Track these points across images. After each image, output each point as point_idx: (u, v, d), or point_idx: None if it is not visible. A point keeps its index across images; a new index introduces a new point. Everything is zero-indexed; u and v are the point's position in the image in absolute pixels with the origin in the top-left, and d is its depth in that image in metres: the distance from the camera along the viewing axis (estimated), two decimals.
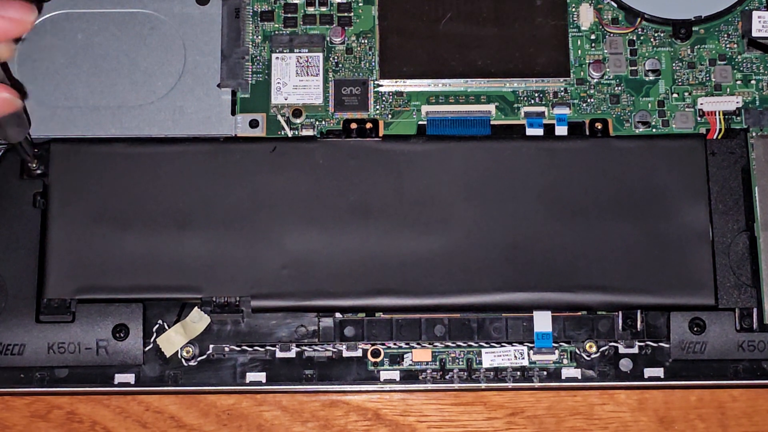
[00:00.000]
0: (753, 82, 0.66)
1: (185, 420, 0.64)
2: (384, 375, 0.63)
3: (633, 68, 0.66)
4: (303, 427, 0.64)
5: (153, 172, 0.62)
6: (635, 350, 0.62)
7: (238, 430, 0.64)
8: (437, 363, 0.63)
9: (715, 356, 0.62)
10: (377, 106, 0.66)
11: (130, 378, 0.62)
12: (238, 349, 0.62)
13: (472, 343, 0.63)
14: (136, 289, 0.61)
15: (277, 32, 0.67)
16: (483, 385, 0.62)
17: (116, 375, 0.62)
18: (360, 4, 0.68)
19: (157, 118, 0.65)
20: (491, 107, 0.66)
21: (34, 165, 0.62)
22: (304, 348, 0.63)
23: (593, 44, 0.67)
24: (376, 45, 0.66)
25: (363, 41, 0.67)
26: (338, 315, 0.62)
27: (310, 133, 0.65)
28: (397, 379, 0.63)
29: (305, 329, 0.62)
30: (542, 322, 0.62)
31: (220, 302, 0.61)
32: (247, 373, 0.62)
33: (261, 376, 0.62)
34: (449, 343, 0.63)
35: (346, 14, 0.67)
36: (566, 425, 0.64)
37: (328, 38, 0.67)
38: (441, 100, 0.66)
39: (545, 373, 0.62)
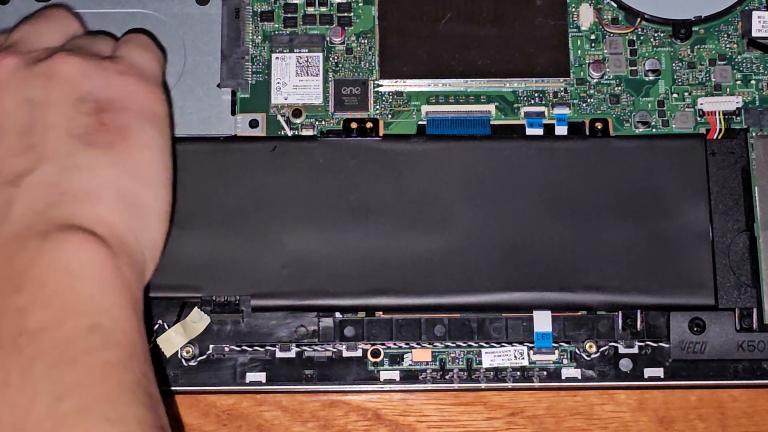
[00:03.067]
0: (753, 82, 0.66)
1: (185, 420, 0.64)
2: (384, 375, 0.63)
3: (633, 68, 0.66)
4: (303, 427, 0.64)
5: None
6: (635, 350, 0.62)
7: (238, 430, 0.64)
8: (437, 363, 0.63)
9: (715, 356, 0.62)
10: (377, 106, 0.66)
11: None
12: (238, 349, 0.62)
13: (472, 343, 0.63)
14: None
15: (277, 32, 0.67)
16: (483, 385, 0.62)
17: None
18: (360, 4, 0.68)
19: None
20: (491, 107, 0.66)
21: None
22: (304, 348, 0.63)
23: (593, 44, 0.67)
24: (376, 45, 0.67)
25: (363, 41, 0.67)
26: (338, 315, 0.62)
27: (310, 133, 0.65)
28: (397, 379, 0.63)
29: (305, 329, 0.62)
30: (542, 322, 0.62)
31: (219, 301, 0.61)
32: (247, 373, 0.62)
33: (261, 376, 0.62)
34: (449, 343, 0.63)
35: (346, 14, 0.68)
36: (566, 425, 0.64)
37: (328, 38, 0.67)
38: (441, 100, 0.66)
39: (545, 373, 0.63)
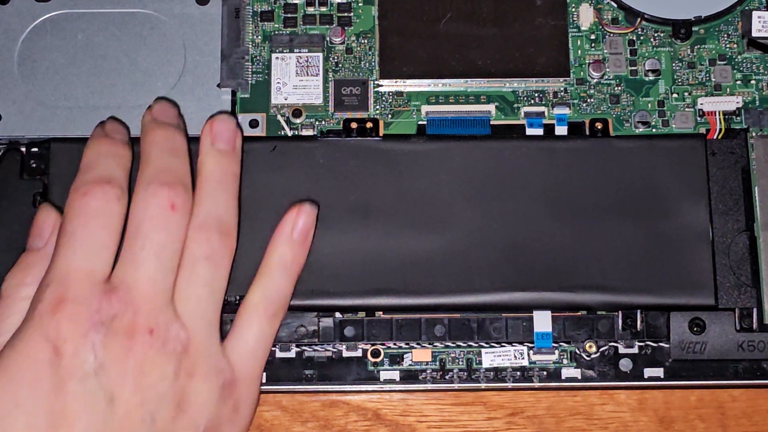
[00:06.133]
0: (753, 82, 0.66)
1: None
2: (384, 375, 0.63)
3: (633, 68, 0.66)
4: (303, 427, 0.64)
5: None
6: (635, 350, 0.62)
7: None
8: (437, 363, 0.63)
9: (715, 356, 0.62)
10: (377, 106, 0.66)
11: None
12: None
13: (472, 343, 0.63)
14: None
15: (277, 32, 0.67)
16: (483, 385, 0.62)
17: None
18: (360, 4, 0.68)
19: None
20: (491, 107, 0.66)
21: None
22: (304, 348, 0.63)
23: (593, 44, 0.67)
24: (376, 45, 0.67)
25: (363, 41, 0.67)
26: (338, 315, 0.62)
27: (310, 133, 0.65)
28: (397, 379, 0.63)
29: (305, 329, 0.62)
30: (542, 322, 0.62)
31: None
32: None
33: None
34: (449, 343, 0.63)
35: (346, 14, 0.68)
36: (566, 425, 0.64)
37: (328, 38, 0.67)
38: (441, 100, 0.66)
39: (545, 373, 0.63)
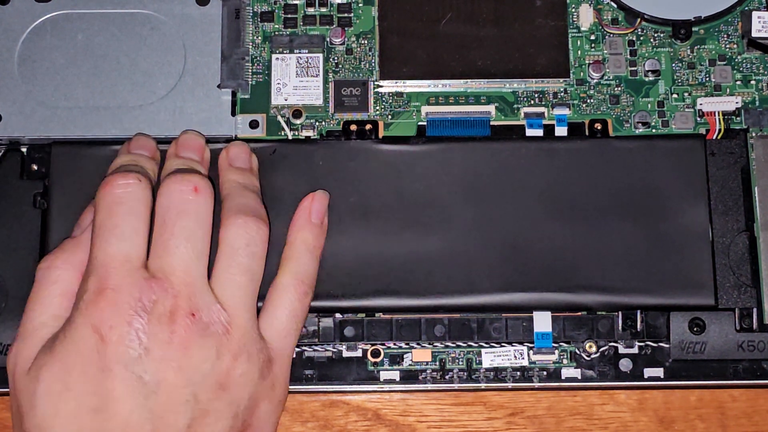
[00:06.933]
0: (753, 82, 0.66)
1: None
2: (384, 375, 0.63)
3: (633, 69, 0.67)
4: (303, 427, 0.64)
5: None
6: (635, 350, 0.62)
7: None
8: (437, 363, 0.63)
9: (715, 356, 0.62)
10: (377, 107, 0.66)
11: None
12: None
13: (472, 343, 0.63)
14: None
15: (277, 33, 0.67)
16: (483, 385, 0.62)
17: None
18: (360, 5, 0.68)
19: (157, 118, 0.65)
20: (491, 108, 0.66)
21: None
22: (304, 348, 0.63)
23: (593, 45, 0.67)
24: (376, 46, 0.67)
25: (363, 42, 0.67)
26: (338, 315, 0.62)
27: (310, 133, 0.65)
28: (397, 379, 0.63)
29: (305, 329, 0.62)
30: (542, 322, 0.62)
31: None
32: None
33: None
34: (449, 343, 0.63)
35: (346, 15, 0.68)
36: (566, 425, 0.64)
37: (328, 39, 0.67)
38: (441, 100, 0.66)
39: (545, 373, 0.63)
